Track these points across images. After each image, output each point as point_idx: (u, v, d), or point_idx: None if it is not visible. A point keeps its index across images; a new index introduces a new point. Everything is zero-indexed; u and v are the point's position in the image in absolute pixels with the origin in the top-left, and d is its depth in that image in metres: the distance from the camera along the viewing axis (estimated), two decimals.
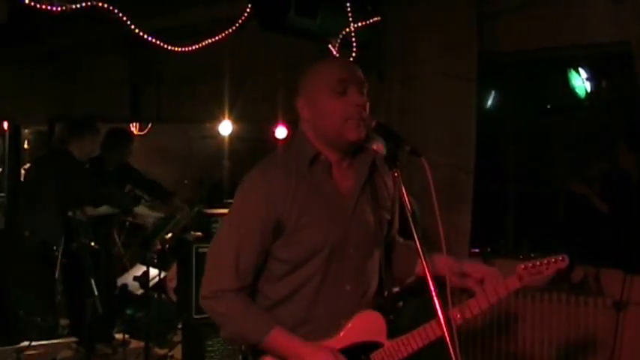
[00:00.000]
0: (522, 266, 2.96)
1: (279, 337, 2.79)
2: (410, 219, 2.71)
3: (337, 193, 2.91)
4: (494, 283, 2.96)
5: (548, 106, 6.12)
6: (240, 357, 3.01)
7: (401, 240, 3.20)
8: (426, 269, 2.64)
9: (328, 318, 2.87)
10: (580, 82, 5.89)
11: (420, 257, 2.67)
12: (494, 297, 2.94)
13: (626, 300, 5.96)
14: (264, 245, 2.84)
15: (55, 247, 6.50)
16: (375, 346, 2.89)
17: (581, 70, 5.87)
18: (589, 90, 5.84)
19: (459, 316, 2.89)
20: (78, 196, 6.68)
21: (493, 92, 7.28)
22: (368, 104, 2.86)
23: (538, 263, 2.97)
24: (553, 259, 2.99)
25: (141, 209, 7.14)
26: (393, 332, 2.91)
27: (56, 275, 6.56)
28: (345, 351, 2.84)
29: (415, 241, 2.69)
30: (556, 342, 6.31)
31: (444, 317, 2.63)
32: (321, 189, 2.88)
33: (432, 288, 2.64)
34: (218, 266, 2.87)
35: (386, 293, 3.01)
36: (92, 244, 6.33)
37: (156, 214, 7.55)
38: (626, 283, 5.89)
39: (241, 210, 2.88)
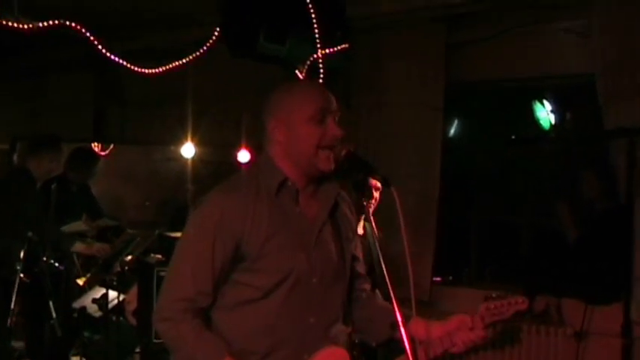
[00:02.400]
0: (485, 306, 3.01)
1: None
2: (378, 249, 2.68)
3: (302, 220, 2.85)
4: (460, 335, 2.98)
5: (513, 137, 6.17)
6: None
7: (379, 298, 3.12)
8: (394, 300, 2.60)
9: (290, 352, 2.79)
10: (544, 113, 5.95)
11: (391, 296, 2.62)
12: (459, 347, 2.98)
13: (586, 330, 6.01)
14: (221, 268, 2.75)
15: (11, 268, 6.37)
16: None
17: (545, 101, 5.92)
18: (553, 122, 5.90)
19: (424, 355, 2.89)
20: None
21: (456, 121, 7.32)
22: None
23: (499, 304, 3.02)
24: (514, 301, 3.05)
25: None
26: None
27: (13, 297, 6.44)
28: None
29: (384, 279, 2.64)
30: None
31: (412, 354, 2.58)
32: (287, 215, 2.82)
33: (400, 319, 2.60)
34: (172, 288, 2.78)
35: (350, 329, 2.98)
36: (56, 264, 6.23)
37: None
38: (586, 314, 5.94)
39: (196, 230, 2.80)
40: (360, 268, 3.12)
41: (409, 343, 2.58)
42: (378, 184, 4.94)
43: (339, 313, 2.94)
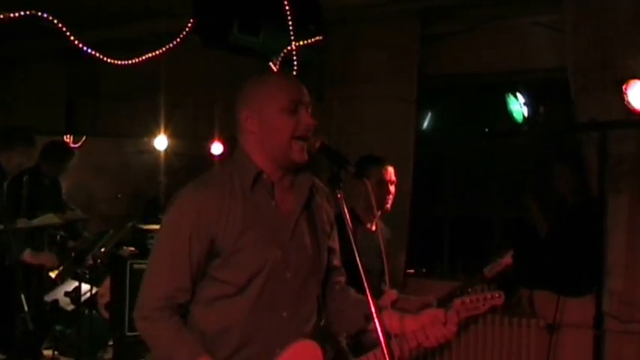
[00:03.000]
0: (460, 301, 3.00)
1: None
2: (352, 242, 2.68)
3: (277, 214, 2.84)
4: (433, 330, 2.96)
5: (486, 130, 6.18)
6: None
7: (352, 291, 3.10)
8: (368, 292, 2.59)
9: (263, 346, 2.79)
10: (518, 106, 5.97)
11: (365, 288, 2.61)
12: (430, 342, 2.96)
13: (558, 322, 6.06)
14: (198, 264, 2.75)
15: None
16: None
17: (519, 94, 5.95)
18: (526, 115, 5.92)
19: (398, 348, 2.88)
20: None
21: (430, 113, 7.33)
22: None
23: (475, 299, 3.02)
24: (489, 295, 3.05)
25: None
26: None
27: None
28: None
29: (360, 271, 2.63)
30: None
31: (386, 347, 2.57)
32: (261, 209, 2.81)
33: (376, 317, 2.58)
34: (151, 286, 2.79)
35: (322, 322, 2.97)
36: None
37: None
38: (559, 306, 5.99)
39: (171, 228, 2.80)
40: (336, 260, 3.10)
41: (383, 336, 2.58)
42: (393, 177, 4.89)
43: (313, 306, 2.94)
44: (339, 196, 2.75)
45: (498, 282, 4.52)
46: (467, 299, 3.01)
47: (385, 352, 2.56)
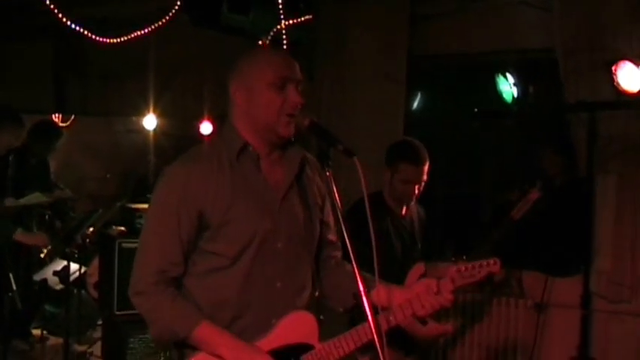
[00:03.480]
0: (455, 269, 2.98)
1: (208, 329, 2.74)
2: (341, 220, 2.69)
3: (265, 186, 2.86)
4: (428, 298, 2.95)
5: (476, 110, 6.18)
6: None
7: (347, 266, 3.05)
8: (356, 270, 2.62)
9: (258, 316, 2.82)
10: (507, 86, 5.97)
11: (352, 260, 2.63)
12: (426, 310, 2.95)
13: (546, 302, 6.07)
14: (188, 238, 2.79)
15: None
16: (305, 348, 2.83)
17: (508, 75, 5.94)
18: (516, 95, 5.92)
19: (385, 322, 2.89)
20: None
21: (419, 94, 7.32)
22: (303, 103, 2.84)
23: (471, 266, 2.99)
24: (485, 263, 3.00)
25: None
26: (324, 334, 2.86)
27: None
28: (274, 352, 2.77)
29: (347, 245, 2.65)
30: (477, 342, 6.39)
31: (373, 321, 2.60)
32: (249, 181, 2.84)
33: (362, 289, 2.61)
34: (143, 262, 2.82)
35: (317, 294, 2.98)
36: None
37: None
38: (547, 286, 6.01)
39: (161, 202, 2.84)
40: (332, 235, 3.12)
41: (371, 313, 2.60)
42: (425, 177, 4.41)
43: (307, 278, 2.97)
44: (328, 174, 2.76)
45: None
46: (462, 267, 2.99)
47: (373, 329, 2.60)
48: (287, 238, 2.87)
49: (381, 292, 2.96)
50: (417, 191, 4.44)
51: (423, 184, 4.44)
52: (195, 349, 2.78)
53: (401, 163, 4.37)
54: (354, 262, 2.63)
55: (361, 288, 2.62)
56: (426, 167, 4.39)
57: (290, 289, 2.88)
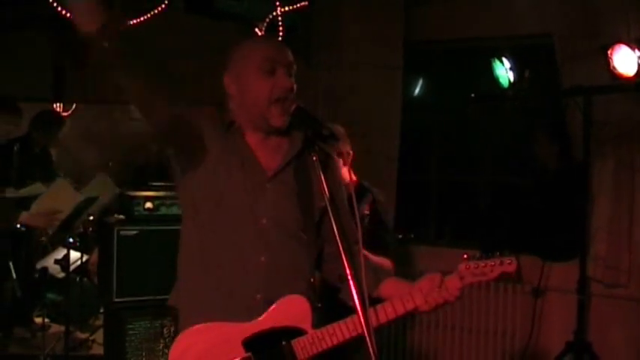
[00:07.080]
0: (464, 265, 2.84)
1: None
2: (327, 204, 2.68)
3: (254, 164, 2.87)
4: (431, 293, 2.87)
5: (472, 95, 6.17)
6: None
7: (371, 258, 3.07)
8: (344, 258, 2.61)
9: (241, 288, 2.80)
10: (503, 71, 5.95)
11: (341, 253, 2.62)
12: (430, 304, 2.88)
13: (544, 287, 6.11)
14: (182, 114, 2.83)
15: None
16: (297, 332, 2.80)
17: (504, 60, 5.93)
18: (512, 79, 5.90)
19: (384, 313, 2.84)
20: None
21: (421, 80, 7.31)
22: (295, 87, 2.84)
23: (482, 264, 2.82)
24: (499, 261, 2.82)
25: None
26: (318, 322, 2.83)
27: None
28: (264, 334, 2.77)
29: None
30: (475, 327, 6.42)
31: (362, 311, 2.57)
32: (239, 151, 2.87)
33: (350, 278, 2.59)
34: None
35: (312, 280, 2.95)
36: (18, 225, 6.19)
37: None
38: (544, 271, 6.03)
39: None
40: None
41: (360, 304, 2.59)
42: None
43: (301, 261, 2.93)
44: (314, 159, 2.76)
45: None
46: (472, 264, 2.82)
47: (361, 318, 2.58)
48: (275, 217, 2.85)
49: (389, 285, 2.97)
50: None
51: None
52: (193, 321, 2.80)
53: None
54: (341, 248, 2.61)
55: (348, 272, 2.59)
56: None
57: (275, 265, 2.84)
